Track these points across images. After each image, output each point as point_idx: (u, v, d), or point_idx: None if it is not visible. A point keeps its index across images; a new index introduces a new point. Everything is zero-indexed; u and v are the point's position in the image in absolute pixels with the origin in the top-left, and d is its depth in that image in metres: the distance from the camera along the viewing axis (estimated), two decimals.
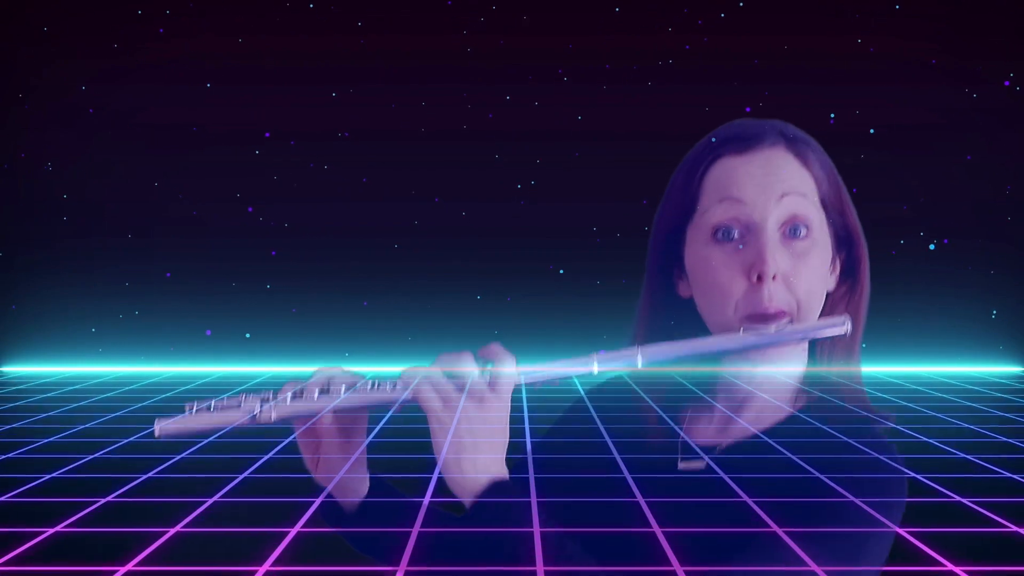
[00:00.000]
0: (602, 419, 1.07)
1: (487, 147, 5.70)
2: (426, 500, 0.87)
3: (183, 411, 0.86)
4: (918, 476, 2.53)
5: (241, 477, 2.71)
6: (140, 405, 4.41)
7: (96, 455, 3.06)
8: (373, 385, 0.86)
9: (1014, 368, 5.97)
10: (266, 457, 3.15)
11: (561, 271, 5.65)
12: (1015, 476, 2.59)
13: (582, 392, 1.05)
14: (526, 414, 3.88)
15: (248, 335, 5.53)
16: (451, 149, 5.68)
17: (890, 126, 5.69)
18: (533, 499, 0.89)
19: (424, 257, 5.70)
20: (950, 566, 1.18)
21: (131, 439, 3.45)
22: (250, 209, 5.59)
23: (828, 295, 0.95)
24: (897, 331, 5.91)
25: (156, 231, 5.73)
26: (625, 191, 5.58)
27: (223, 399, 0.87)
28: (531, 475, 1.00)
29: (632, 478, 0.98)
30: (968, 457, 3.04)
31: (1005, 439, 3.52)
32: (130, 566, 1.36)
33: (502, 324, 5.73)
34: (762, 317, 0.89)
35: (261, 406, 0.86)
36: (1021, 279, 5.88)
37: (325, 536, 1.00)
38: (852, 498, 0.83)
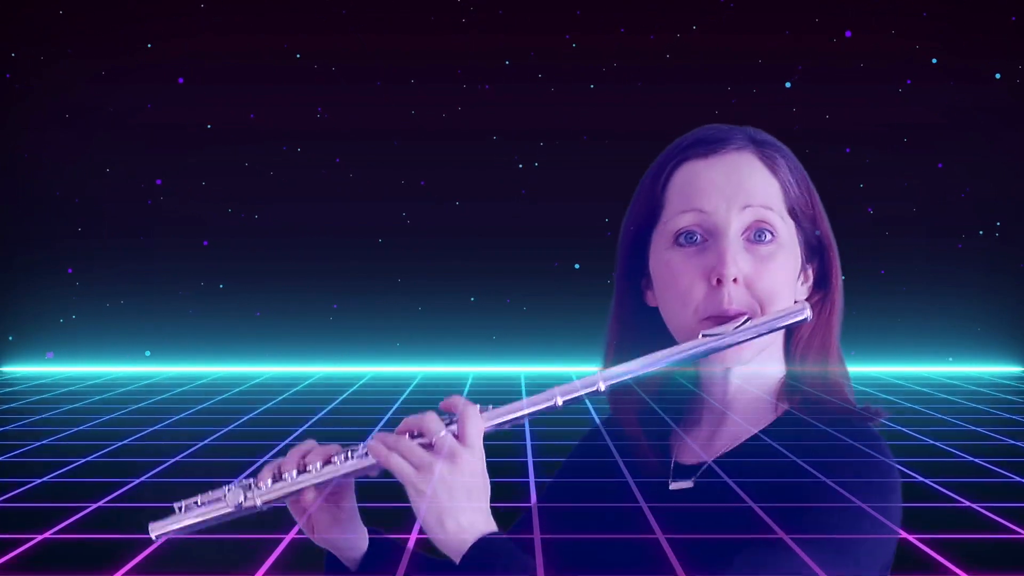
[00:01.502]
0: (604, 422, 1.05)
1: (483, 143, 5.66)
2: (410, 543, 0.86)
3: (173, 512, 0.85)
4: (927, 480, 2.50)
5: (234, 482, 2.68)
6: (135, 407, 4.38)
7: (89, 458, 3.03)
8: (347, 455, 0.85)
9: (1014, 368, 5.95)
10: (262, 460, 3.12)
11: (577, 266, 5.57)
12: None
13: (591, 410, 1.03)
14: (527, 428, 3.85)
15: (148, 352, 5.46)
16: (446, 147, 5.64)
17: (891, 125, 5.67)
18: (537, 546, 0.87)
19: (410, 257, 5.64)
20: (962, 574, 1.15)
21: (124, 442, 3.42)
22: (159, 181, 5.52)
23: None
24: (897, 331, 5.89)
25: (156, 231, 5.71)
26: (630, 188, 5.54)
27: (208, 493, 0.86)
28: (531, 477, 0.97)
29: (635, 482, 0.96)
30: (976, 461, 3.01)
31: (1012, 442, 3.49)
32: (119, 574, 1.34)
33: (499, 328, 5.67)
34: (721, 319, 0.88)
35: (245, 495, 0.84)
36: (1019, 279, 5.86)
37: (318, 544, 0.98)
38: (828, 482, 0.82)
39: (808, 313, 0.87)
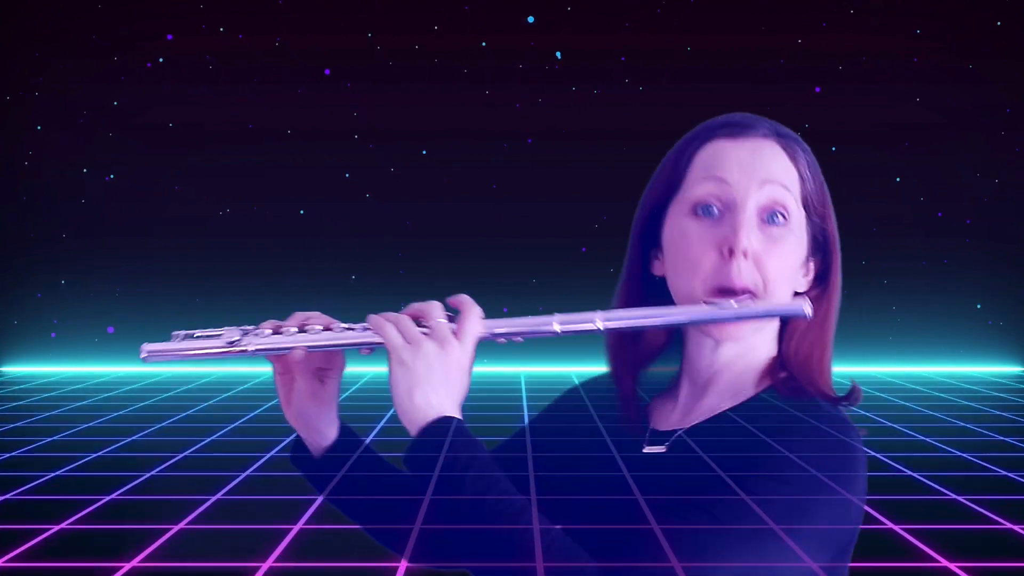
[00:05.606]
0: (596, 408, 1.08)
1: (478, 144, 5.69)
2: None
3: (170, 339, 0.89)
4: (915, 474, 2.54)
5: (243, 475, 2.73)
6: (142, 404, 4.42)
7: (99, 453, 3.07)
8: (349, 328, 0.89)
9: (1013, 368, 5.99)
10: (268, 455, 3.17)
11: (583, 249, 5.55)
12: (1010, 474, 2.61)
13: (576, 381, 1.07)
14: (525, 409, 3.88)
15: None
16: (434, 146, 5.67)
17: (890, 125, 5.69)
18: (532, 474, 0.91)
19: (412, 257, 5.68)
20: (945, 563, 1.20)
21: (133, 438, 3.46)
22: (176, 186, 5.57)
23: (799, 295, 0.97)
24: (897, 331, 5.92)
25: (156, 231, 5.73)
26: (627, 189, 5.57)
27: (207, 329, 0.90)
28: (530, 473, 1.01)
29: (631, 476, 0.99)
30: (964, 455, 3.07)
31: (1001, 438, 3.54)
32: (134, 562, 1.38)
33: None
34: (728, 291, 0.92)
35: (241, 336, 0.88)
36: (1019, 279, 5.89)
37: (327, 533, 1.02)
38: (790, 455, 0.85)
39: (808, 311, 0.90)
